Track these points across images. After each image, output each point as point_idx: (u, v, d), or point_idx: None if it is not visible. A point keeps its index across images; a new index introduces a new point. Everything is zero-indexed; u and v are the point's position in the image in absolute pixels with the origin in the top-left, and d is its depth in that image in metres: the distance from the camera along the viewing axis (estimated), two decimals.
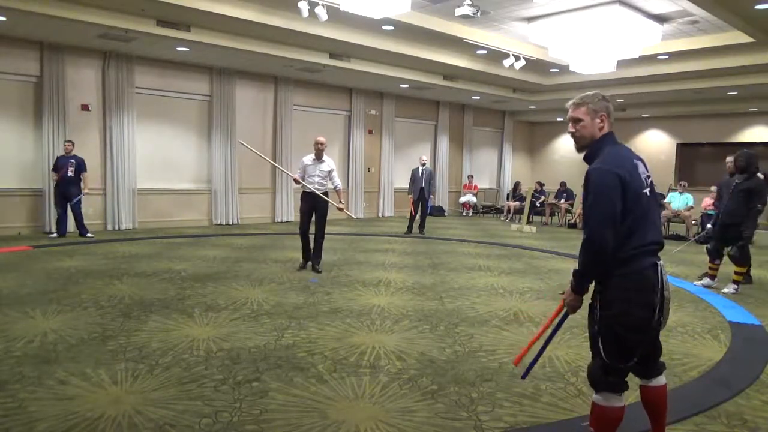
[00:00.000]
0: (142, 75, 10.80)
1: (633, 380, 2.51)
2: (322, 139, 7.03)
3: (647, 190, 2.33)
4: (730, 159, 6.80)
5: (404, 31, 9.58)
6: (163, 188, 11.39)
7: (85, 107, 10.30)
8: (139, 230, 10.67)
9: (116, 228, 10.55)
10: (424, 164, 11.44)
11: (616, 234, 2.24)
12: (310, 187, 6.93)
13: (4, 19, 8.18)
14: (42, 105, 9.74)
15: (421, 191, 11.32)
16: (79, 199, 9.39)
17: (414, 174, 11.47)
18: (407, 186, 11.73)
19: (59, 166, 9.23)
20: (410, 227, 11.43)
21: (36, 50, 9.68)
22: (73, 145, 9.41)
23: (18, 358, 3.74)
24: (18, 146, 9.72)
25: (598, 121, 2.42)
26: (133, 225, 10.78)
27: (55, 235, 9.23)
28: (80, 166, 9.36)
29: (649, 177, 2.39)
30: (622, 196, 2.24)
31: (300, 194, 7.22)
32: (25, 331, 4.31)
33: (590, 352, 2.45)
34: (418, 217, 11.52)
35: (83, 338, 4.19)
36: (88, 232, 9.49)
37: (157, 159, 11.28)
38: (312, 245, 7.13)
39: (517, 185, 15.88)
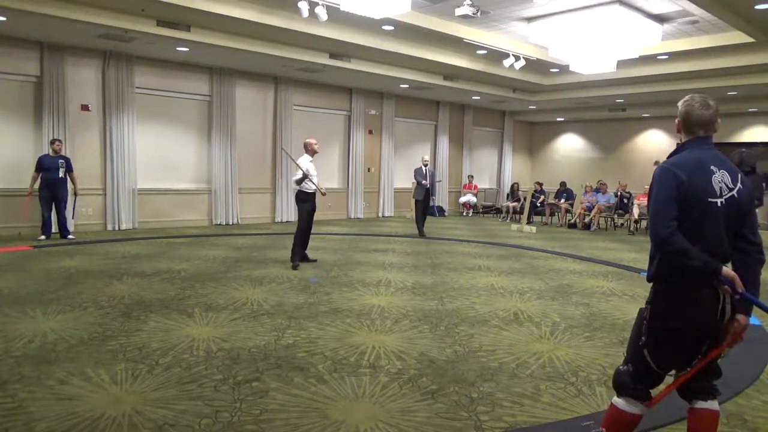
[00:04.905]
0: (142, 75, 10.80)
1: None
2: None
3: (720, 200, 2.18)
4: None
5: (404, 31, 9.57)
6: (163, 188, 11.39)
7: (85, 107, 10.30)
8: (139, 230, 10.67)
9: (116, 228, 10.55)
10: (426, 164, 11.25)
11: (677, 226, 2.14)
12: (315, 187, 7.36)
13: (4, 19, 8.18)
14: (42, 105, 9.73)
15: (426, 191, 11.09)
16: (67, 201, 9.30)
17: (418, 174, 11.13)
18: (406, 186, 11.58)
19: (48, 167, 8.97)
20: (421, 229, 11.05)
21: (36, 50, 9.68)
22: (61, 144, 9.28)
23: (18, 358, 3.74)
24: (18, 146, 9.71)
25: (676, 126, 2.37)
26: (133, 225, 10.77)
27: (43, 238, 9.05)
28: (69, 166, 9.25)
29: (732, 189, 2.21)
30: (678, 198, 2.15)
31: (304, 194, 7.37)
32: (25, 331, 4.31)
33: (620, 356, 2.41)
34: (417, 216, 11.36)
35: (83, 338, 4.19)
36: (70, 233, 9.31)
37: (157, 159, 11.28)
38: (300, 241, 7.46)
39: (514, 187, 15.85)
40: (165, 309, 5.07)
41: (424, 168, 11.21)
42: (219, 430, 2.84)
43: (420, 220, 11.16)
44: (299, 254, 7.41)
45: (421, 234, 11.02)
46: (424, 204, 11.18)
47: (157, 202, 11.29)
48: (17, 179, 9.59)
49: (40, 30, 8.90)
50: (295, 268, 7.15)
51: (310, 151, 7.46)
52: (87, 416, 2.94)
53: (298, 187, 7.33)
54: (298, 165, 7.35)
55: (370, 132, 14.79)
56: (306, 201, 7.35)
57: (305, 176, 7.20)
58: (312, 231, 7.70)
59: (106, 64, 10.36)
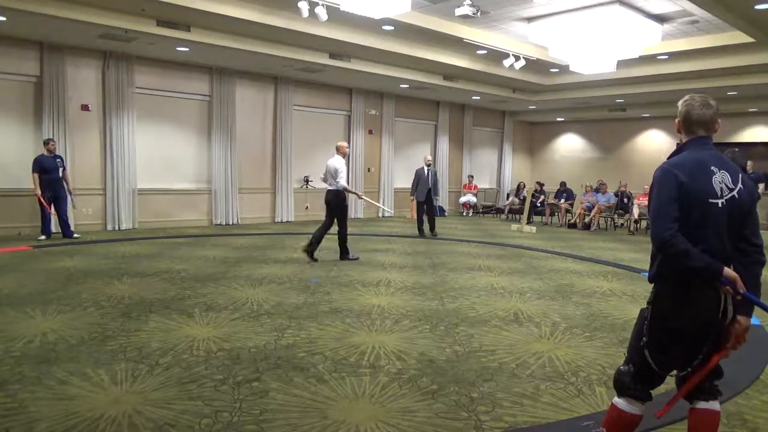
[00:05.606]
0: (142, 75, 10.80)
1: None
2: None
3: (721, 201, 2.16)
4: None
5: (404, 31, 9.57)
6: (163, 188, 11.39)
7: (85, 107, 10.31)
8: (139, 230, 10.67)
9: (116, 228, 10.55)
10: (429, 164, 11.08)
11: (678, 228, 2.13)
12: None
13: (4, 19, 8.18)
14: (42, 105, 9.73)
15: (428, 192, 10.89)
16: (66, 199, 9.31)
17: (419, 174, 10.97)
18: (406, 186, 11.50)
19: (49, 168, 8.95)
20: (421, 229, 11.03)
21: (36, 50, 9.68)
22: (55, 143, 9.26)
23: (18, 358, 3.74)
24: (18, 146, 9.71)
25: (676, 126, 2.37)
26: (133, 225, 10.78)
27: (43, 238, 9.05)
28: (64, 165, 9.27)
29: (732, 189, 2.19)
30: (678, 199, 2.14)
31: (345, 196, 7.84)
32: (25, 331, 4.31)
33: (620, 356, 2.41)
34: (424, 217, 11.29)
35: (83, 338, 4.19)
36: (75, 233, 9.34)
37: (157, 159, 11.28)
38: (339, 241, 8.00)
39: (520, 185, 15.83)
40: (165, 309, 5.07)
41: (426, 168, 10.99)
42: (219, 430, 2.83)
43: (420, 221, 11.12)
44: (346, 250, 7.96)
45: (421, 234, 11.00)
46: (426, 205, 11.08)
47: (157, 202, 11.29)
48: (17, 179, 9.59)
49: (40, 30, 8.90)
50: (355, 257, 7.96)
51: (341, 153, 7.88)
52: (87, 416, 2.93)
53: (337, 188, 7.70)
54: (360, 196, 8.48)
55: (370, 132, 14.79)
56: (346, 199, 7.86)
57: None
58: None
59: (106, 64, 10.36)
